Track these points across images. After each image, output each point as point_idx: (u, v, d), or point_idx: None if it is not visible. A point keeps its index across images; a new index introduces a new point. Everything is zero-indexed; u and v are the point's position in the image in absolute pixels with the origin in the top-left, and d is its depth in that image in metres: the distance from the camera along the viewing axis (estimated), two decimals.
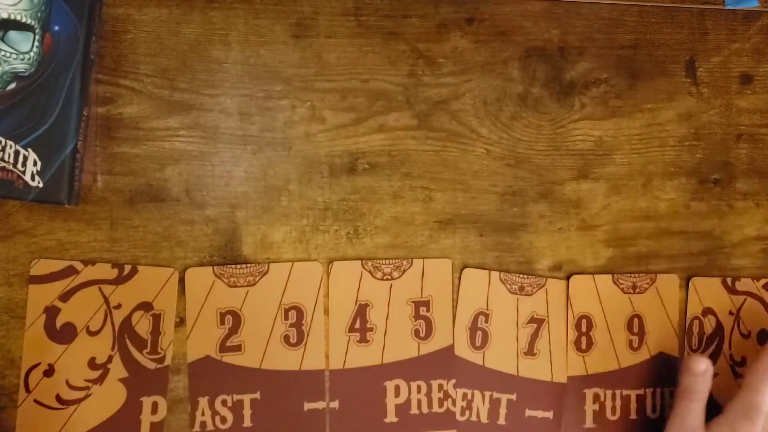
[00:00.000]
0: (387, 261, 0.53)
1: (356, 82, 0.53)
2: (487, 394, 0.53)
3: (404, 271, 0.53)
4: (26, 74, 0.46)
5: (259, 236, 0.52)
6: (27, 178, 0.46)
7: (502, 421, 0.53)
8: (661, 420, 0.55)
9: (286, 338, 0.51)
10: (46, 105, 0.46)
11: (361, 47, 0.53)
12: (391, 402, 0.52)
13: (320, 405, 0.51)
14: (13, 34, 0.46)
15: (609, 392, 0.55)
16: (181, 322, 0.50)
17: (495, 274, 0.54)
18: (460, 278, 0.53)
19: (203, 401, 0.50)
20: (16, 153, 0.46)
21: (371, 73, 0.53)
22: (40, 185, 0.46)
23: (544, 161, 0.55)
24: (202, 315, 0.50)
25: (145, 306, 0.50)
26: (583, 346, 0.54)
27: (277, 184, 0.52)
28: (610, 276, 0.55)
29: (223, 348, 0.51)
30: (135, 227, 0.50)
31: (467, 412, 0.53)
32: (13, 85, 0.46)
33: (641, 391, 0.55)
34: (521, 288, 0.54)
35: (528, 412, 0.54)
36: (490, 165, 0.54)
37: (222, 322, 0.50)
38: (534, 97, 0.55)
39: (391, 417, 0.52)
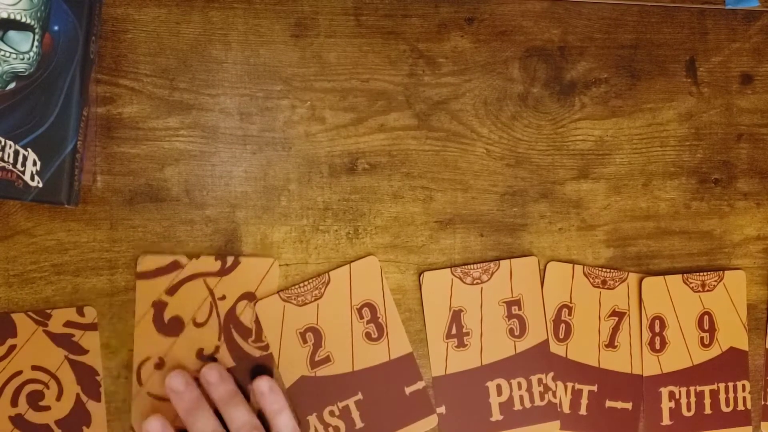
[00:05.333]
0: (475, 265, 0.54)
1: (356, 81, 0.53)
2: (570, 385, 0.54)
3: (492, 273, 0.54)
4: (26, 74, 0.46)
5: (259, 236, 0.51)
6: (27, 178, 0.46)
7: (583, 411, 0.54)
8: (734, 413, 0.56)
9: (368, 335, 0.52)
10: (46, 105, 0.46)
11: (361, 47, 0.53)
12: (495, 401, 0.53)
13: (420, 385, 0.52)
14: (12, 34, 0.46)
15: (683, 389, 0.56)
16: None
17: (579, 268, 0.55)
18: (544, 272, 0.55)
19: (313, 419, 0.51)
20: (16, 153, 0.45)
21: (371, 73, 0.53)
22: (40, 185, 0.46)
23: (544, 161, 0.55)
24: (283, 340, 0.51)
25: (249, 296, 0.51)
26: (657, 346, 0.56)
27: (277, 184, 0.52)
28: (680, 276, 0.56)
29: (314, 364, 0.51)
30: (135, 227, 0.50)
31: None
32: (12, 85, 0.46)
33: (714, 387, 0.56)
34: (603, 282, 0.55)
35: (608, 403, 0.55)
36: (490, 165, 0.54)
37: (305, 341, 0.51)
38: (534, 97, 0.55)
39: (496, 415, 0.53)
